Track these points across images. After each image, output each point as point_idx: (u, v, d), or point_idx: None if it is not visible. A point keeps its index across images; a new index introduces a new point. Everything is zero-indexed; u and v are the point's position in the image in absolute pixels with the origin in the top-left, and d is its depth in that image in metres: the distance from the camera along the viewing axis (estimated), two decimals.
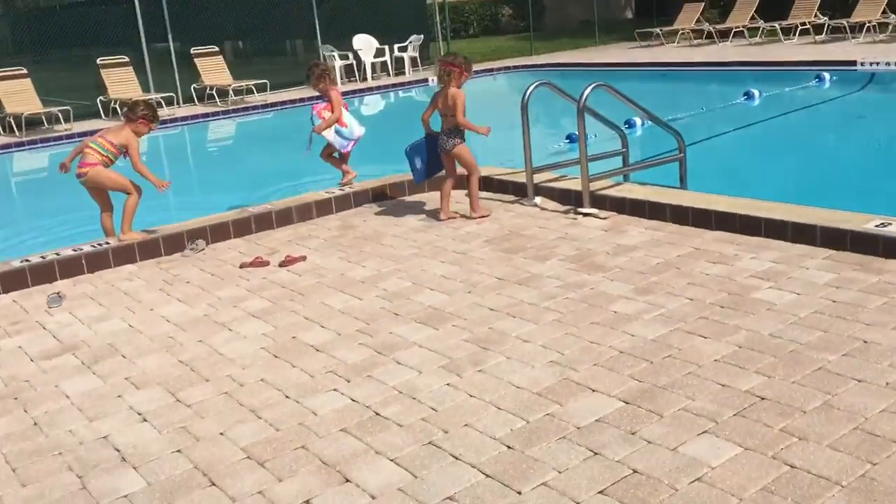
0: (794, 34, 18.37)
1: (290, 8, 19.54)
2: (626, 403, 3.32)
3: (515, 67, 19.26)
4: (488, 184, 7.13)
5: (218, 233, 6.46)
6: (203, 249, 6.26)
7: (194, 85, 16.92)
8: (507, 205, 6.71)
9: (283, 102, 16.12)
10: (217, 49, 17.63)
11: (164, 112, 14.07)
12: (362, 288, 5.09)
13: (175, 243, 6.27)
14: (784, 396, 3.25)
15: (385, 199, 7.25)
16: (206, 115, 15.62)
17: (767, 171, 8.47)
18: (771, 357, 3.60)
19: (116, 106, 15.61)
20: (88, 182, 6.42)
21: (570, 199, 6.40)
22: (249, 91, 16.79)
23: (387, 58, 19.08)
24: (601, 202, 6.14)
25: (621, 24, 26.65)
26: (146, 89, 16.40)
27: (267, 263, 5.76)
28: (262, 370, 4.03)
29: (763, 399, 3.25)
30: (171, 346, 4.46)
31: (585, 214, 6.06)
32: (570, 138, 8.97)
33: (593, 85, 5.96)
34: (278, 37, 20.95)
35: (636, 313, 4.25)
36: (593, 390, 3.47)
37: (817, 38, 18.10)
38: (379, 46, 19.08)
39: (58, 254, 5.93)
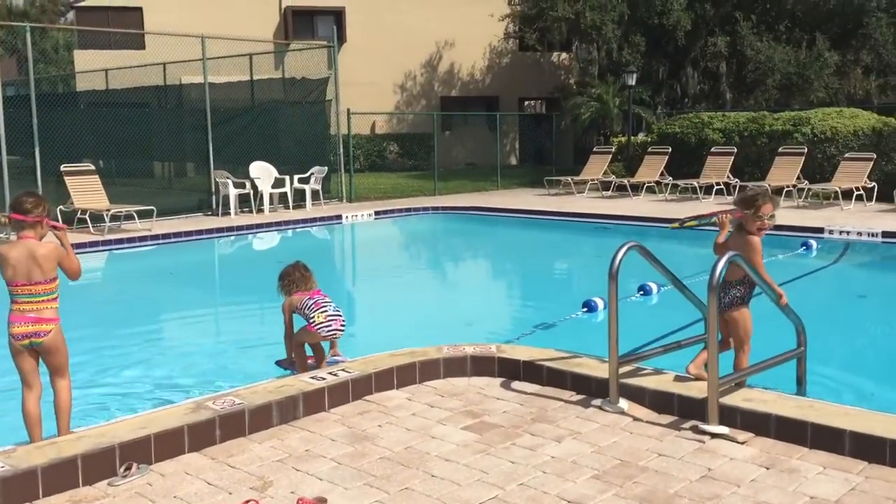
0: (711, 193, 18.06)
1: (182, 127, 17.47)
2: None
3: (436, 209, 17.74)
4: (534, 373, 5.34)
5: (165, 445, 4.26)
6: (145, 474, 4.07)
7: (62, 207, 14.31)
8: (576, 407, 4.90)
9: (178, 234, 13.81)
10: (92, 167, 15.24)
11: None
12: None
13: (100, 464, 4.03)
14: None
15: (390, 388, 5.30)
16: (74, 245, 13.04)
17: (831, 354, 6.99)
18: None
19: None
20: (47, 346, 4.54)
21: (672, 407, 4.69)
22: (129, 217, 14.41)
23: (287, 188, 17.22)
24: (728, 417, 4.45)
25: (508, 170, 26.18)
26: (2, 208, 13.70)
27: None
28: None
29: None
30: None
31: (714, 435, 4.35)
32: (589, 307, 7.33)
33: (730, 254, 4.40)
34: (167, 157, 18.72)
35: None
36: None
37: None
38: (278, 176, 17.23)
39: None
